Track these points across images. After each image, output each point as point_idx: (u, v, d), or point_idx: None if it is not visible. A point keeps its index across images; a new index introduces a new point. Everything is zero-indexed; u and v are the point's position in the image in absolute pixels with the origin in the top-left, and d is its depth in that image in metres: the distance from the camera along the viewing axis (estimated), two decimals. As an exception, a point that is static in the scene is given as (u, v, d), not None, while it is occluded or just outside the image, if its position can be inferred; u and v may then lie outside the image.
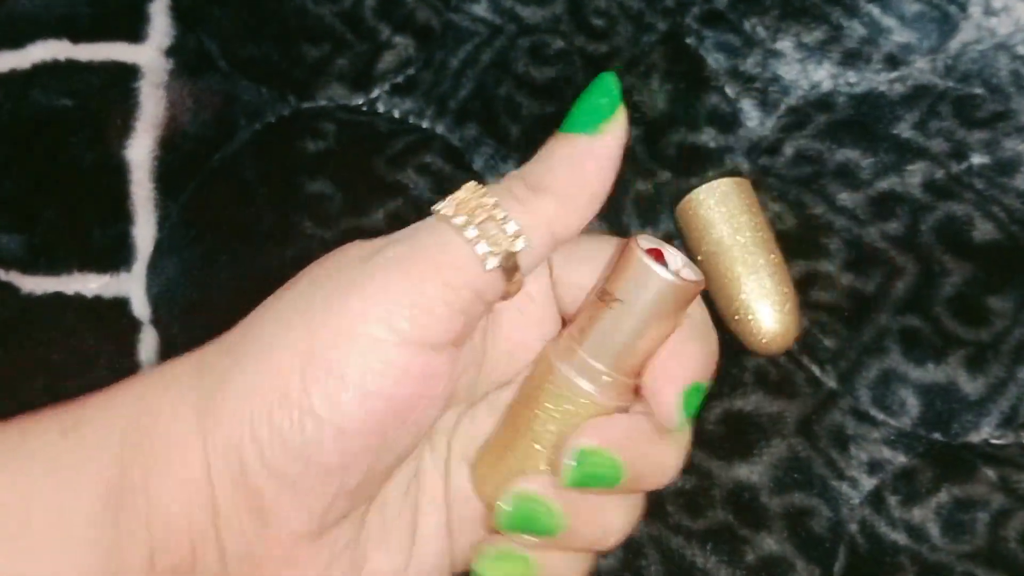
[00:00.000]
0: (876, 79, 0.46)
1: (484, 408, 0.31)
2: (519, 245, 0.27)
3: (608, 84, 0.27)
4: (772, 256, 0.40)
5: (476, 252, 0.26)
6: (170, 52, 0.46)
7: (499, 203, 0.27)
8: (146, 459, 0.26)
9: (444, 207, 0.27)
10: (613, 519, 0.29)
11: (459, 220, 0.27)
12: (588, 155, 0.27)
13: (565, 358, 0.29)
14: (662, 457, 0.29)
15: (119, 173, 0.44)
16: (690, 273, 0.28)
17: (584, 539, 0.29)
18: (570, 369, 0.28)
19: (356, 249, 0.28)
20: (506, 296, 0.28)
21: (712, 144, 0.45)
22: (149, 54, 0.46)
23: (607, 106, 0.27)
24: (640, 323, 0.27)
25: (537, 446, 0.29)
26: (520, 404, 0.30)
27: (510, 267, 0.27)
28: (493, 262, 0.26)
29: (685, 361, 0.28)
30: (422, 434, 0.28)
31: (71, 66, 0.46)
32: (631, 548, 0.39)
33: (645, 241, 0.28)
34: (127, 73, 0.46)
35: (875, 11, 0.46)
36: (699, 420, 0.40)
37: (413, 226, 0.28)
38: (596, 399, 0.28)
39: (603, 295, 0.28)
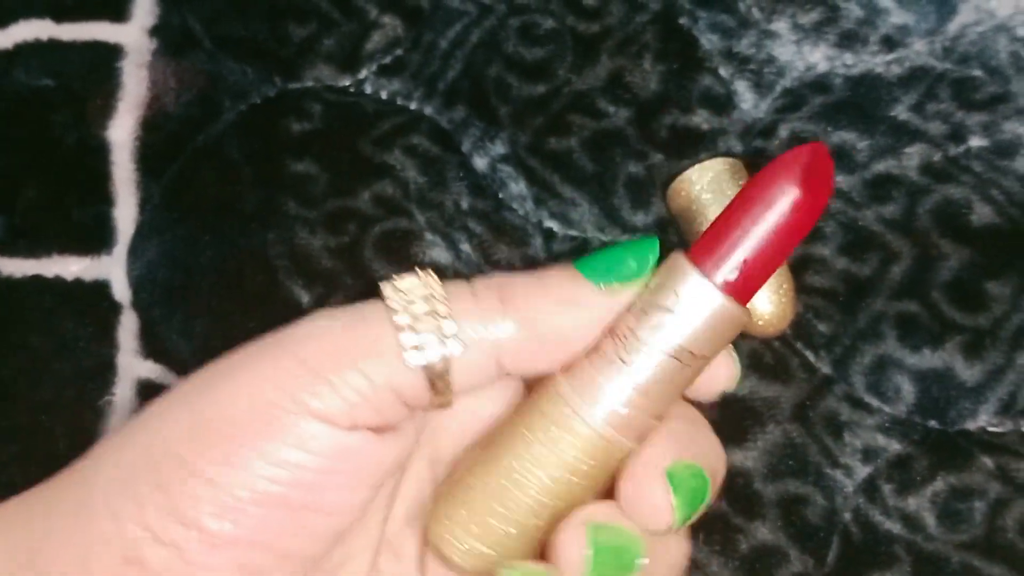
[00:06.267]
0: (873, 61, 0.45)
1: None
2: (453, 349, 0.24)
3: (647, 249, 0.25)
4: (765, 237, 0.39)
5: (400, 342, 0.24)
6: (154, 31, 0.45)
7: (449, 298, 0.24)
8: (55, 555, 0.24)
9: (387, 288, 0.25)
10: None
11: (395, 304, 0.24)
12: (581, 303, 0.25)
13: (572, 379, 0.25)
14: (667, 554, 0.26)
15: (100, 154, 0.44)
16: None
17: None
18: (577, 393, 0.24)
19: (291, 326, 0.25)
20: (432, 408, 0.25)
21: (705, 126, 0.44)
22: (133, 33, 0.45)
23: (632, 270, 0.25)
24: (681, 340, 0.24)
25: (522, 494, 0.25)
26: (502, 443, 0.25)
27: (438, 373, 0.24)
28: (417, 359, 0.24)
29: (669, 437, 0.25)
30: (347, 519, 0.25)
31: (54, 45, 0.45)
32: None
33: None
34: (110, 53, 0.45)
35: (872, -8, 0.46)
36: (691, 404, 0.39)
37: (356, 304, 0.25)
38: (606, 434, 0.24)
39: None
